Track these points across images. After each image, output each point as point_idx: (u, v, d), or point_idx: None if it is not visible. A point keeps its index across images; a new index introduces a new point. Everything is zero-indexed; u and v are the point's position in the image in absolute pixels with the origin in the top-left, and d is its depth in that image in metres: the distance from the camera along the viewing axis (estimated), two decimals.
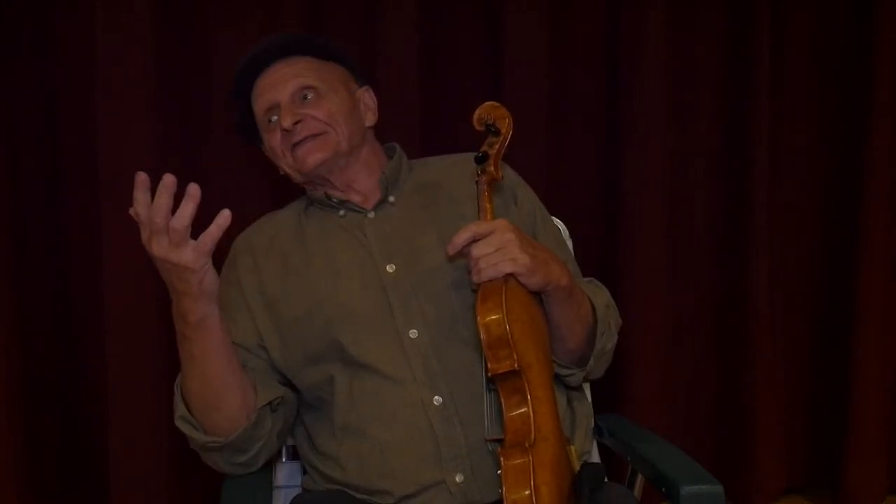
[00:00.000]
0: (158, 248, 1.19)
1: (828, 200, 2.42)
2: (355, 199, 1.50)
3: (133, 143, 1.99)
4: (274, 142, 1.49)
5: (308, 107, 1.47)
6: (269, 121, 1.49)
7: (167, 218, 1.16)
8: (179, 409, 1.39)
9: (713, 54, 2.32)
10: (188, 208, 1.16)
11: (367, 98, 1.57)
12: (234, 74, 1.53)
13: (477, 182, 1.34)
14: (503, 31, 2.17)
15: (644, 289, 2.26)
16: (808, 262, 2.44)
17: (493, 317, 1.20)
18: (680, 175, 2.32)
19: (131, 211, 1.18)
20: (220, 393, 1.35)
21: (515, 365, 1.20)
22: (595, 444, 1.63)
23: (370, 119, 1.56)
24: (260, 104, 1.50)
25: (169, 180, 1.15)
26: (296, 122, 1.45)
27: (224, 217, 1.18)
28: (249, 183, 2.10)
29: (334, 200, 1.50)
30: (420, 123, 2.16)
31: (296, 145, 1.46)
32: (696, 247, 2.37)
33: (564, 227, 1.69)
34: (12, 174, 2.05)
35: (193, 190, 1.16)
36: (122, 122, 2.00)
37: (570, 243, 1.67)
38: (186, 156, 2.09)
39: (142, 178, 1.15)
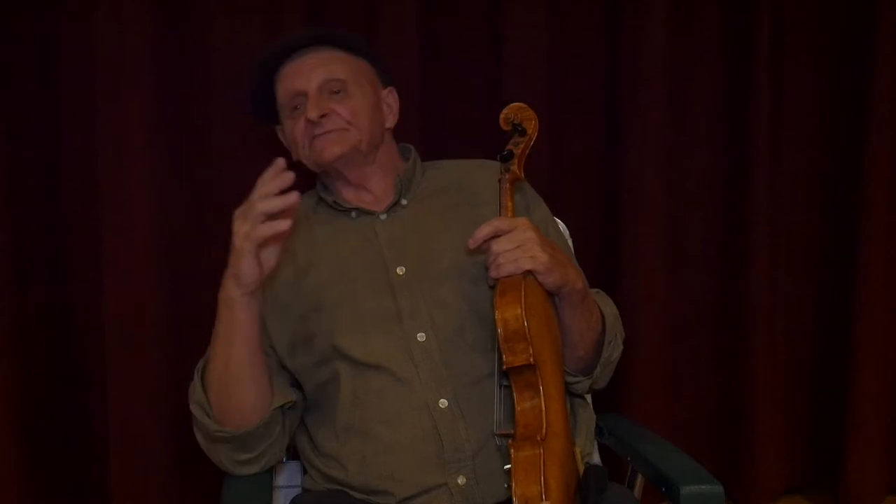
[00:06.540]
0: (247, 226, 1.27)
1: (828, 197, 2.42)
2: (367, 200, 1.51)
3: (133, 142, 1.98)
4: (296, 129, 1.48)
5: (334, 101, 1.46)
6: (295, 107, 1.48)
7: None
8: (197, 393, 1.40)
9: (713, 52, 2.31)
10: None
11: (391, 99, 1.57)
12: (262, 58, 1.51)
13: (500, 180, 1.35)
14: (503, 29, 2.16)
15: (644, 288, 2.25)
16: (808, 261, 2.43)
17: (512, 311, 1.20)
18: (680, 174, 2.32)
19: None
20: (238, 380, 1.34)
21: (531, 359, 1.20)
22: (595, 444, 1.63)
23: (390, 121, 1.56)
24: (286, 87, 1.49)
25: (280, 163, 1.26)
26: (322, 115, 1.44)
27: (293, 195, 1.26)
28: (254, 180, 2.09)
29: (344, 207, 1.50)
30: (420, 122, 2.15)
31: (315, 137, 1.46)
32: (697, 246, 2.37)
33: (565, 226, 1.69)
34: (12, 174, 2.04)
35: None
36: (123, 123, 1.99)
37: (570, 242, 1.67)
38: (188, 156, 2.09)
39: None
